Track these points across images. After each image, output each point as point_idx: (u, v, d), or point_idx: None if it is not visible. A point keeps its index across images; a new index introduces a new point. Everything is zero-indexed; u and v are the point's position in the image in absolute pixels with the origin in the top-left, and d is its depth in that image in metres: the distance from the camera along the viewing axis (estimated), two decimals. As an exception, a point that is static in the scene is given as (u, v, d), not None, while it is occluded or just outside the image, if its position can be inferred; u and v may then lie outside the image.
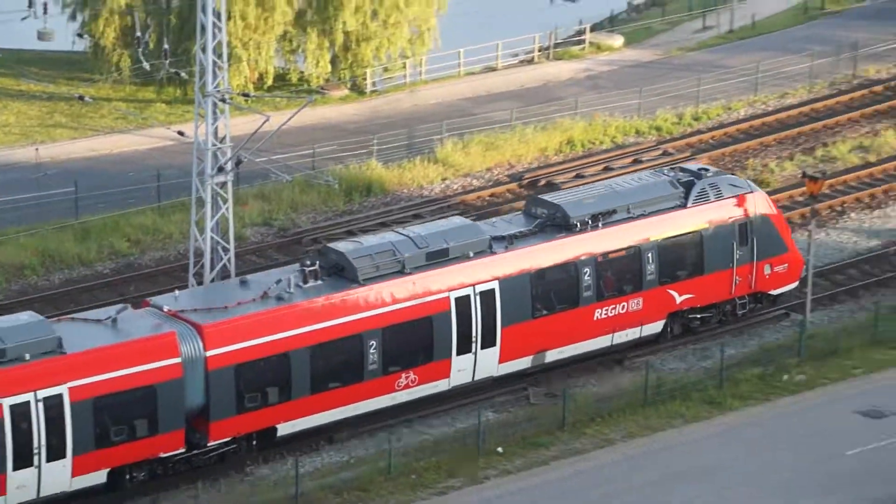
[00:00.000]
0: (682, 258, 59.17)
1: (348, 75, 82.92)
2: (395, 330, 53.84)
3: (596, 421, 53.39)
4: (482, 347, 55.44)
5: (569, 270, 56.74)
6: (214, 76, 56.28)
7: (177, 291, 53.27)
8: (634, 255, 57.92)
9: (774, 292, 61.22)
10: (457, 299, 54.57)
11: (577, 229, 56.99)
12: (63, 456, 48.66)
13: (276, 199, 69.51)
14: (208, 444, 51.64)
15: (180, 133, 63.64)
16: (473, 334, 55.11)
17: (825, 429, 52.84)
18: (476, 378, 55.85)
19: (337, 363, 53.16)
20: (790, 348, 57.65)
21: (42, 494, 48.73)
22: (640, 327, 58.56)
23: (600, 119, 77.86)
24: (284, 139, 66.90)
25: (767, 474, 50.33)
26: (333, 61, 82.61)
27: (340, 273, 53.85)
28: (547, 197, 59.48)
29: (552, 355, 57.09)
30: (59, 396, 48.15)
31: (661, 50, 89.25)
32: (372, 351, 53.52)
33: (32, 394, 47.76)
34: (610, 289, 57.66)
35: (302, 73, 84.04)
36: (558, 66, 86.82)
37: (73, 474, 49.19)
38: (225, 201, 57.14)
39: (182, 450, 51.11)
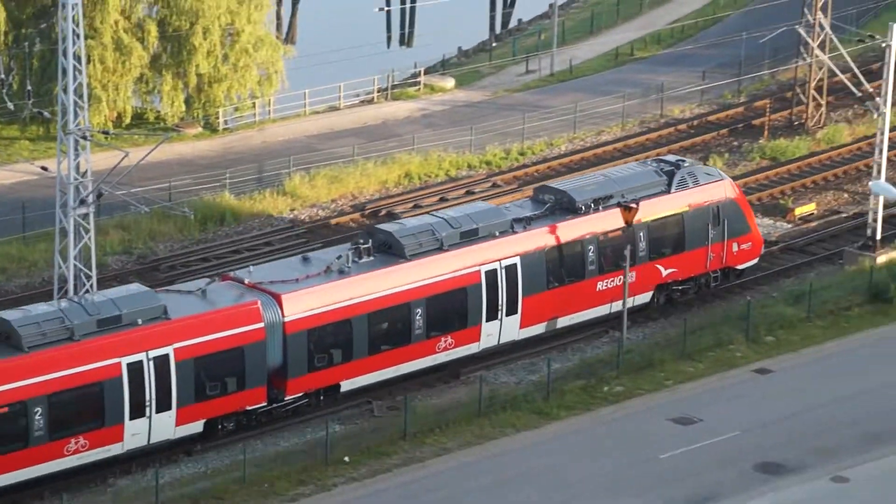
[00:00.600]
0: (667, 237, 63.03)
1: (201, 114, 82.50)
2: (435, 299, 57.22)
3: (435, 431, 53.41)
4: (506, 315, 58.81)
5: (576, 248, 60.53)
6: (75, 115, 56.15)
7: (251, 266, 56.31)
8: (629, 235, 61.23)
9: (740, 267, 65.19)
10: (486, 273, 58.07)
11: (582, 212, 60.85)
12: (169, 408, 51.87)
13: (136, 229, 68.94)
14: (285, 399, 54.68)
15: (44, 168, 63.38)
16: (500, 303, 58.47)
17: (641, 434, 53.30)
18: (501, 342, 59.25)
19: (389, 328, 56.42)
20: (609, 362, 58.10)
21: (151, 441, 51.78)
22: (632, 297, 61.57)
23: (435, 154, 78.09)
24: (143, 173, 66.36)
25: (591, 477, 50.67)
26: (187, 101, 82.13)
27: (388, 250, 57.15)
28: (554, 184, 63.97)
29: (563, 322, 60.72)
30: (166, 356, 51.44)
31: (489, 91, 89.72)
32: (417, 318, 56.82)
33: (145, 353, 50.98)
34: (609, 264, 61.19)
35: (158, 112, 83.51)
36: (396, 105, 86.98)
37: (177, 424, 52.34)
38: (87, 231, 56.83)
39: (264, 403, 54.18)
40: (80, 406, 50.30)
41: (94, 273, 57.49)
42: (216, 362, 52.75)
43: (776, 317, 60.98)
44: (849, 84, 71.86)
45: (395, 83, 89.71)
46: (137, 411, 51.21)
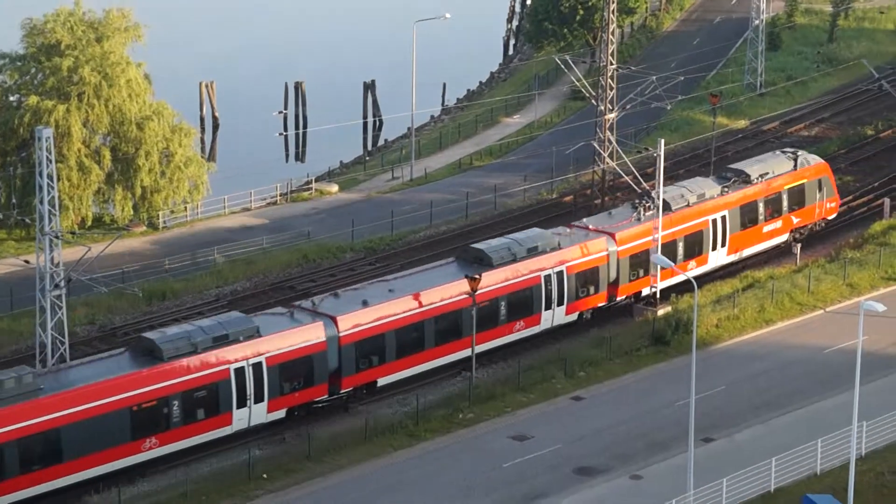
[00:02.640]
0: (795, 198, 74.14)
1: (146, 216, 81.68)
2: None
3: (332, 452, 53.24)
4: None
5: (755, 204, 72.23)
6: (50, 220, 55.82)
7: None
8: (778, 196, 73.03)
9: (830, 217, 77.15)
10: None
11: (753, 181, 72.39)
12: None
13: (98, 306, 68.00)
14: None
15: (26, 261, 62.91)
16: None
17: (488, 449, 53.46)
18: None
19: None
20: (463, 395, 58.22)
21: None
22: (780, 236, 73.93)
23: (326, 241, 78.08)
24: (102, 263, 65.60)
25: (451, 483, 50.75)
26: (135, 207, 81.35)
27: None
28: (734, 166, 74.87)
29: (748, 252, 72.31)
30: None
31: (365, 193, 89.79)
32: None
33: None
34: (769, 214, 72.66)
35: (112, 216, 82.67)
36: (294, 206, 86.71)
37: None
38: (60, 308, 56.41)
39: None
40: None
41: (66, 340, 56.95)
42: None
43: (586, 357, 61.43)
44: (631, 183, 73.04)
45: (293, 189, 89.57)
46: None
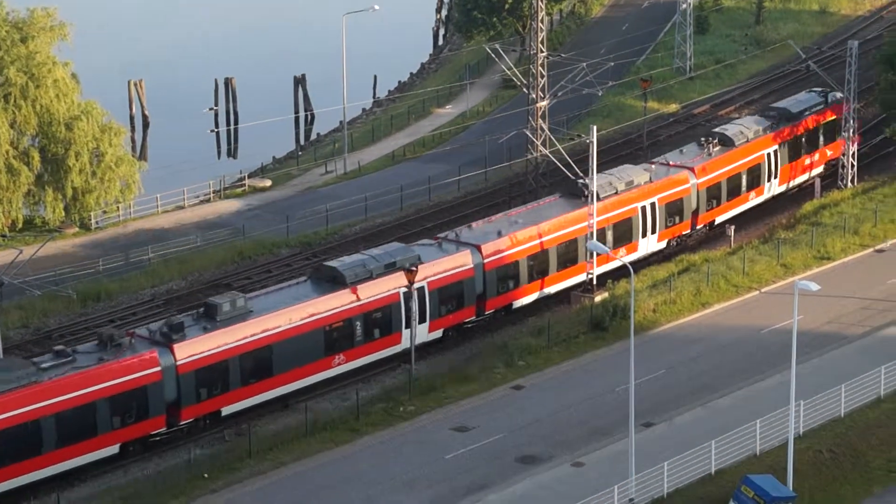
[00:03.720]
0: (827, 136, 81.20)
1: (77, 217, 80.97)
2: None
3: (273, 450, 53.01)
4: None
5: (798, 141, 79.87)
6: (-19, 224, 54.81)
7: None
8: (814, 131, 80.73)
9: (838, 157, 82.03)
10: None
11: (796, 119, 79.80)
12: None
13: (31, 309, 67.28)
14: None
15: (-43, 266, 61.68)
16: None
17: (431, 441, 53.45)
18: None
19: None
20: (403, 388, 58.19)
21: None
22: (816, 168, 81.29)
23: (260, 237, 77.75)
24: (34, 265, 65.11)
25: (395, 476, 50.70)
26: (66, 208, 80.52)
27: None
28: (776, 105, 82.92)
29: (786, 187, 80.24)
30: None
31: (299, 188, 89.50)
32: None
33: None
34: (800, 150, 79.89)
35: (43, 218, 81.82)
36: (228, 203, 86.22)
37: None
38: (-6, 313, 55.56)
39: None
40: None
41: None
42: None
43: (525, 346, 61.52)
44: (564, 170, 73.23)
45: (226, 186, 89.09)
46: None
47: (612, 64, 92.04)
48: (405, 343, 59.94)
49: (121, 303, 69.42)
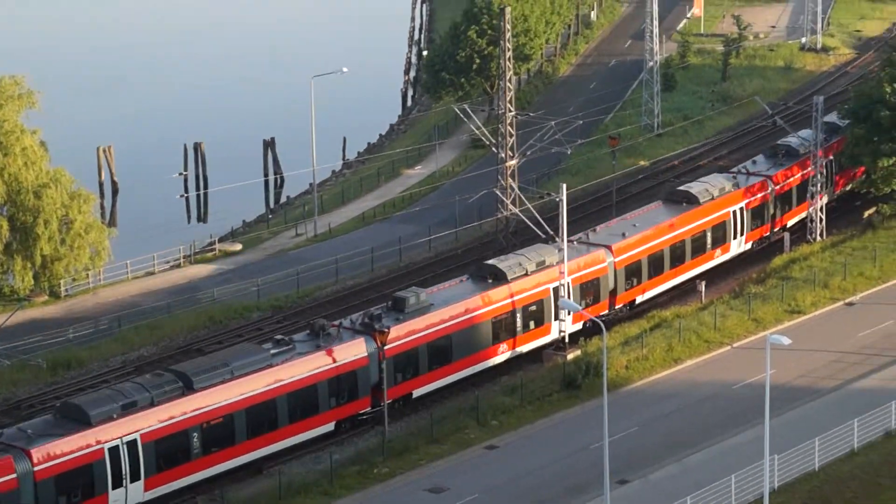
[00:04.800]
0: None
1: (47, 285, 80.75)
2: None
3: (246, 515, 52.78)
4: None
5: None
6: (-51, 293, 54.54)
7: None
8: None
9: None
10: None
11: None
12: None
13: None
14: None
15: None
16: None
17: (405, 503, 53.25)
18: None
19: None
20: (377, 450, 57.99)
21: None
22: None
23: (231, 302, 77.63)
24: (4, 335, 64.88)
25: (369, 540, 50.44)
26: (35, 276, 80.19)
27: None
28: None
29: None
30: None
31: (269, 252, 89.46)
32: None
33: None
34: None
35: (12, 286, 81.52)
36: (198, 267, 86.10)
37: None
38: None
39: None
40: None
41: (-31, 415, 55.81)
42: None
43: (498, 405, 61.49)
44: (535, 228, 73.54)
45: (196, 250, 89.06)
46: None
47: (581, 122, 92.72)
48: (553, 334, 67.72)
49: (91, 370, 69.09)
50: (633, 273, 72.08)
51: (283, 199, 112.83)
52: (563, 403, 61.76)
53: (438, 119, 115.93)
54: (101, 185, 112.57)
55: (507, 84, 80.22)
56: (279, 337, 59.99)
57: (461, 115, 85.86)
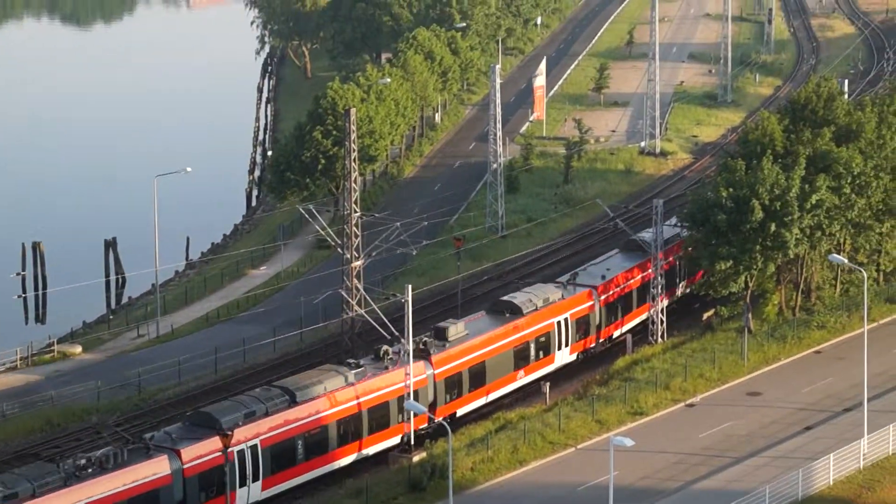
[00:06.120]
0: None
1: None
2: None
3: None
4: None
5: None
6: None
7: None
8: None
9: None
10: None
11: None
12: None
13: None
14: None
15: None
16: None
17: None
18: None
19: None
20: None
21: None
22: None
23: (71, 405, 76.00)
24: None
25: None
26: None
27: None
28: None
29: None
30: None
31: (110, 353, 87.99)
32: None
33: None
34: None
35: None
36: (36, 369, 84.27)
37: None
38: None
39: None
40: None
41: None
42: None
43: (343, 510, 61.09)
44: (381, 329, 73.57)
45: (34, 352, 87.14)
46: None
47: (426, 223, 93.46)
48: (557, 362, 77.54)
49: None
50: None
51: (124, 300, 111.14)
52: (409, 507, 61.48)
53: (283, 219, 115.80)
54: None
55: (353, 185, 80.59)
56: (350, 360, 68.93)
57: (306, 216, 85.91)
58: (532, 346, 76.18)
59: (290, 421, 62.49)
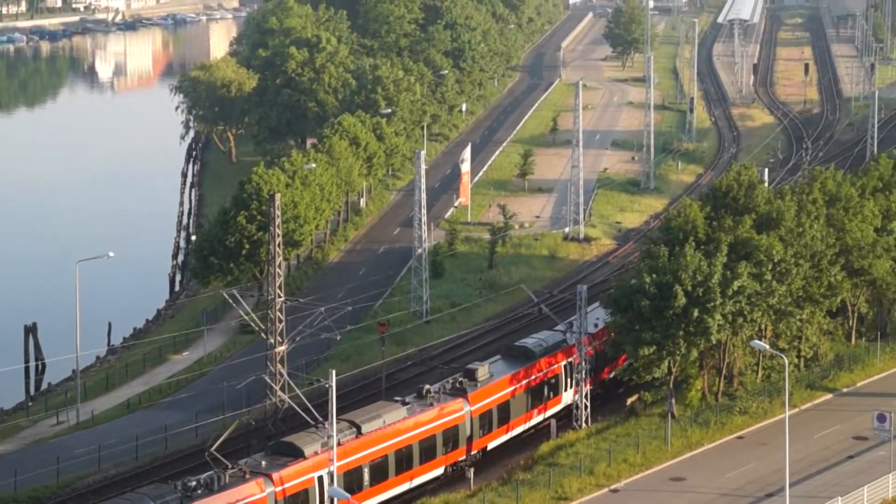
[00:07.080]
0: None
1: None
2: None
3: None
4: None
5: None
6: None
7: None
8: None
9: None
10: None
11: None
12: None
13: None
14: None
15: None
16: None
17: None
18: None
19: None
20: None
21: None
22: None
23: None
24: None
25: None
26: None
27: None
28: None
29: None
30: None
31: (28, 441, 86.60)
32: None
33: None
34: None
35: None
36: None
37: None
38: None
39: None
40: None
41: None
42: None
43: None
44: (304, 415, 73.20)
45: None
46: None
47: (350, 308, 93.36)
48: (565, 402, 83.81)
49: None
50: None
51: (44, 387, 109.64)
52: None
53: (207, 304, 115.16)
54: None
55: (277, 270, 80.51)
56: (398, 398, 75.20)
57: (230, 301, 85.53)
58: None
59: (358, 449, 70.01)
